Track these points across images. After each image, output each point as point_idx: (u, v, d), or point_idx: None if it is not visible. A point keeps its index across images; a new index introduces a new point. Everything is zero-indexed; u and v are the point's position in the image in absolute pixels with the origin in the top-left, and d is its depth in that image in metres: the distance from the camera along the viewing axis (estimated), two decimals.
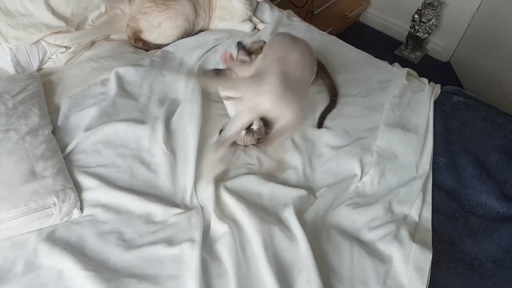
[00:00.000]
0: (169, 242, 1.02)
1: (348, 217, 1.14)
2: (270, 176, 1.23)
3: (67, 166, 1.15)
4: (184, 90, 1.44)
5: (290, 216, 1.10)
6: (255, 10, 1.87)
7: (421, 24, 2.96)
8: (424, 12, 2.92)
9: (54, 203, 1.03)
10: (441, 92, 1.56)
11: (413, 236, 1.07)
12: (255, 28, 1.83)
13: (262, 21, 1.87)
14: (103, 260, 0.98)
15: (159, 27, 1.64)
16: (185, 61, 1.57)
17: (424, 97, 1.51)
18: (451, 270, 1.05)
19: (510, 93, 2.52)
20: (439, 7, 2.91)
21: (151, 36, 1.66)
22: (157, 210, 1.09)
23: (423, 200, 1.18)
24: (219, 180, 1.19)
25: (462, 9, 2.88)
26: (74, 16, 1.51)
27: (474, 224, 1.15)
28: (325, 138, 1.36)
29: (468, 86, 2.89)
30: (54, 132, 1.24)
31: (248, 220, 1.06)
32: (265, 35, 1.71)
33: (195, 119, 1.29)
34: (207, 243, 1.04)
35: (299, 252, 1.03)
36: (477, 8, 2.80)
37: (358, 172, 1.26)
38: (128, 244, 1.02)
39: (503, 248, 1.09)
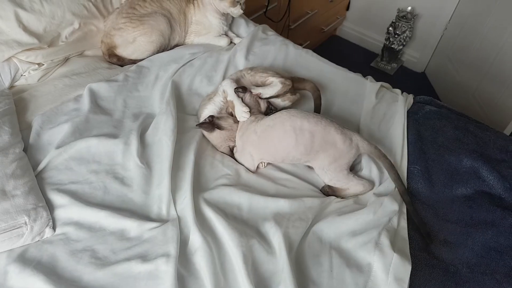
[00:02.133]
0: (144, 257, 1.00)
1: (331, 225, 1.13)
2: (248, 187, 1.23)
3: (39, 184, 1.13)
4: (159, 104, 1.43)
5: (269, 229, 1.10)
6: (230, 24, 1.89)
7: (396, 36, 3.02)
8: (398, 24, 2.99)
9: (25, 223, 1.00)
10: (413, 102, 1.59)
11: (393, 245, 1.07)
12: (231, 42, 1.85)
13: (238, 36, 1.88)
14: (76, 279, 0.96)
15: (134, 42, 1.64)
16: (160, 76, 1.56)
17: (398, 108, 1.54)
18: (428, 276, 1.05)
19: (484, 101, 2.58)
20: (413, 19, 2.98)
21: (125, 51, 1.65)
22: (131, 226, 1.07)
23: (399, 211, 1.18)
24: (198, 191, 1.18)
25: (435, 21, 2.96)
26: (47, 32, 1.50)
27: (449, 231, 1.16)
28: None
29: (443, 95, 2.95)
30: (26, 150, 1.21)
31: (226, 233, 1.05)
32: (241, 49, 1.72)
33: (170, 131, 1.28)
34: (184, 256, 1.03)
35: (278, 265, 1.02)
36: (449, 20, 2.88)
37: None
38: (102, 262, 0.99)
39: (477, 253, 1.11)
